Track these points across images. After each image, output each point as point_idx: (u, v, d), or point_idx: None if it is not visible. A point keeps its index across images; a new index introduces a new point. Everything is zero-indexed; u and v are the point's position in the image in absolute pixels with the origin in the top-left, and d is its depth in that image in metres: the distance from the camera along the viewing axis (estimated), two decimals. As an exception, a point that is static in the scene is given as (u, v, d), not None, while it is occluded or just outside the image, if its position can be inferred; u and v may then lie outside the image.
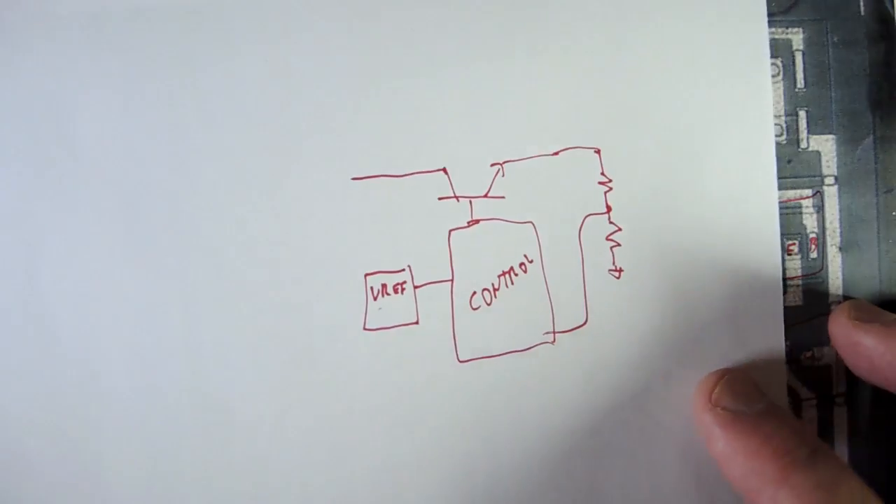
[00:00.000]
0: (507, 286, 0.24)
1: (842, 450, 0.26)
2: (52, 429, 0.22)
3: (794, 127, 0.26)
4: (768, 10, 0.25)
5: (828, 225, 0.26)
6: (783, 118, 0.26)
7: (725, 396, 0.23)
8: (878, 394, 0.26)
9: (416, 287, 0.23)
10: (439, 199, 0.23)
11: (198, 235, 0.22)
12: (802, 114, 0.26)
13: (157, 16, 0.22)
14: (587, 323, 0.24)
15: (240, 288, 0.23)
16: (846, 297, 0.26)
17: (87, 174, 0.22)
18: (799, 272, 0.26)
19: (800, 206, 0.26)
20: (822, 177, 0.26)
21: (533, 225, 0.24)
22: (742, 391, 0.23)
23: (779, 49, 0.26)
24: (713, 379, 0.23)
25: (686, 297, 0.24)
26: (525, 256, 0.24)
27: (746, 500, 0.21)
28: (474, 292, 0.24)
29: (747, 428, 0.21)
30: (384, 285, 0.23)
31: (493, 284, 0.24)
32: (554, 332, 0.24)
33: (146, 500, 0.22)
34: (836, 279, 0.26)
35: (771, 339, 0.25)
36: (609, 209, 0.24)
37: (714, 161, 0.24)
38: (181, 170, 0.22)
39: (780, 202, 0.26)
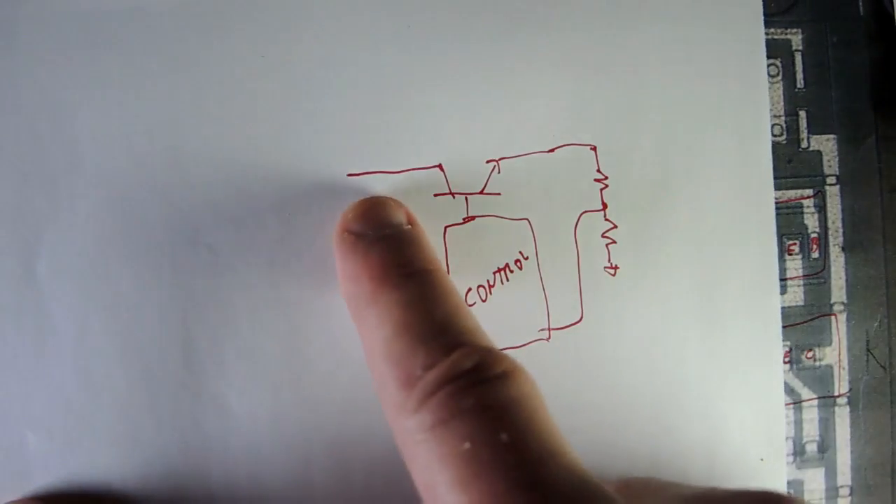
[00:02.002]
0: (502, 283, 0.24)
1: (843, 451, 0.26)
2: (48, 424, 0.22)
3: (795, 127, 0.26)
4: (767, 10, 0.25)
5: (830, 225, 0.26)
6: (783, 118, 0.26)
7: (354, 221, 0.21)
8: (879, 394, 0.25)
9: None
10: (435, 195, 0.23)
11: (194, 231, 0.23)
12: (802, 114, 0.26)
13: (153, 14, 0.22)
14: (582, 320, 0.24)
15: (236, 283, 0.23)
16: (849, 298, 0.26)
17: (84, 171, 0.22)
18: (800, 272, 0.26)
19: (800, 206, 0.26)
20: (824, 176, 0.26)
21: (528, 222, 0.24)
22: (372, 215, 0.21)
23: (778, 49, 0.26)
24: (349, 208, 0.21)
25: (681, 295, 0.24)
26: (520, 253, 0.24)
27: (356, 326, 0.20)
28: (469, 289, 0.24)
29: (358, 252, 0.20)
30: (380, 281, 0.23)
31: (488, 281, 0.24)
32: (549, 329, 0.24)
33: (143, 495, 0.23)
34: (838, 279, 0.26)
35: (768, 338, 0.25)
36: (605, 206, 0.24)
37: (710, 159, 0.24)
38: (178, 166, 0.23)
39: (780, 202, 0.25)
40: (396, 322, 0.18)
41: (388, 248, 0.20)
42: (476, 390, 0.16)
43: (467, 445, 0.15)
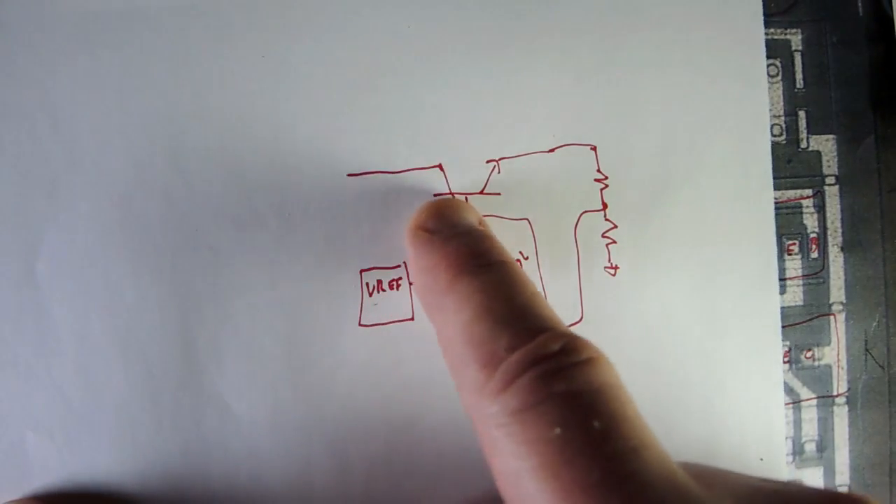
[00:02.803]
0: (502, 283, 0.24)
1: (842, 450, 0.26)
2: (49, 425, 0.22)
3: (794, 127, 0.26)
4: (767, 10, 0.25)
5: (829, 225, 0.26)
6: (782, 118, 0.26)
7: (428, 219, 0.21)
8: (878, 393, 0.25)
9: (411, 283, 0.23)
10: (434, 195, 0.23)
11: (194, 231, 0.23)
12: (802, 114, 0.26)
13: (153, 12, 0.22)
14: (582, 320, 0.24)
15: (236, 283, 0.23)
16: (848, 298, 0.26)
17: (84, 171, 0.22)
18: (799, 272, 0.26)
19: (800, 206, 0.26)
20: (823, 176, 0.26)
21: (528, 222, 0.24)
22: (446, 215, 0.21)
23: (778, 49, 0.26)
24: (422, 208, 0.22)
25: (681, 295, 0.24)
26: (521, 253, 0.24)
27: (429, 317, 0.20)
28: (470, 289, 0.24)
29: (435, 246, 0.20)
30: (380, 281, 0.23)
31: (488, 281, 0.24)
32: (549, 329, 0.24)
33: (143, 495, 0.23)
34: (837, 279, 0.26)
35: (768, 338, 0.25)
36: (605, 206, 0.24)
37: (710, 159, 0.24)
38: (178, 166, 0.23)
39: (779, 202, 0.25)
40: (477, 306, 0.18)
41: (465, 242, 0.20)
42: (565, 374, 0.16)
43: (558, 431, 0.15)
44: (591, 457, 0.14)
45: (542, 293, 0.24)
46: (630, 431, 0.15)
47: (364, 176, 0.23)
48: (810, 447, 0.26)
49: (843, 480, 0.26)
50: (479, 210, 0.24)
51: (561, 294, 0.24)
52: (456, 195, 0.23)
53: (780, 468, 0.25)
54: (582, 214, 0.24)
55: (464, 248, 0.19)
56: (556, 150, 0.24)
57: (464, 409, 0.18)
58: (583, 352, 0.16)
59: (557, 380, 0.15)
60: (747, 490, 0.17)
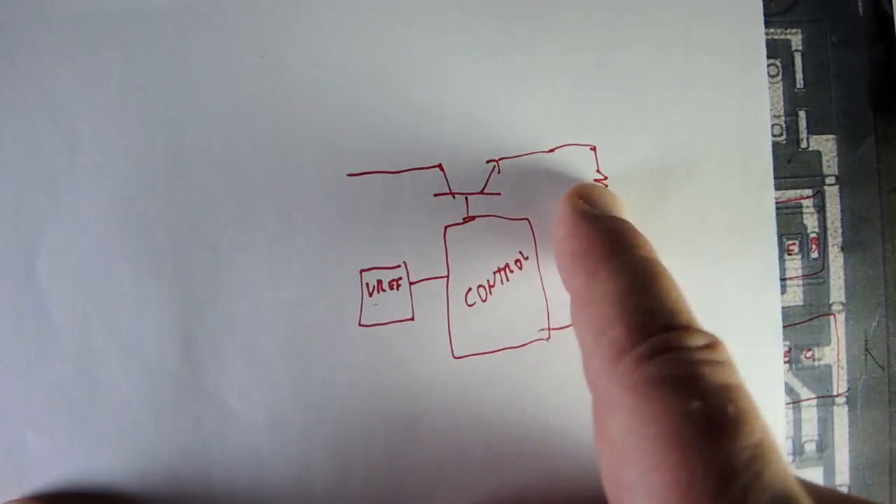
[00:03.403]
0: (502, 283, 0.24)
1: (842, 450, 0.26)
2: (48, 424, 0.22)
3: (794, 127, 0.26)
4: (767, 10, 0.25)
5: (829, 225, 0.26)
6: (783, 118, 0.26)
7: (591, 195, 0.22)
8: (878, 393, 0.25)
9: (411, 283, 0.23)
10: (435, 195, 0.23)
11: (194, 231, 0.23)
12: (802, 114, 0.26)
13: (153, 13, 0.22)
14: (582, 319, 0.24)
15: (236, 283, 0.23)
16: (848, 298, 0.26)
17: (83, 171, 0.22)
18: (799, 272, 0.26)
19: (800, 206, 0.26)
20: (823, 176, 0.26)
21: (528, 222, 0.24)
22: (608, 201, 0.23)
23: (778, 49, 0.26)
24: (586, 184, 0.23)
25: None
26: (520, 253, 0.24)
27: (565, 281, 0.21)
28: (470, 289, 0.24)
29: (596, 218, 0.21)
30: (380, 281, 0.23)
31: (488, 281, 0.24)
32: (549, 329, 0.24)
33: (143, 495, 0.23)
34: (837, 279, 0.26)
35: (768, 338, 0.25)
36: (605, 206, 0.24)
37: (710, 160, 0.24)
38: (178, 166, 0.23)
39: (779, 202, 0.25)
40: (637, 281, 0.18)
41: (627, 227, 0.21)
42: (709, 364, 0.16)
43: (697, 404, 0.15)
44: (722, 437, 0.15)
45: (542, 293, 0.24)
46: (758, 428, 0.15)
47: (364, 176, 0.23)
48: (810, 447, 0.26)
49: (843, 480, 0.26)
50: (478, 210, 0.24)
51: (561, 294, 0.24)
52: (456, 195, 0.23)
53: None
54: (582, 214, 0.24)
55: (627, 232, 0.20)
56: (556, 150, 0.24)
57: (587, 370, 0.18)
58: (722, 354, 0.17)
59: (701, 366, 0.16)
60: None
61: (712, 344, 0.17)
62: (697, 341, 0.17)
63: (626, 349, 0.17)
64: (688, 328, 0.17)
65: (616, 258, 0.19)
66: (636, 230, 0.21)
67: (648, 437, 0.15)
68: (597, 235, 0.20)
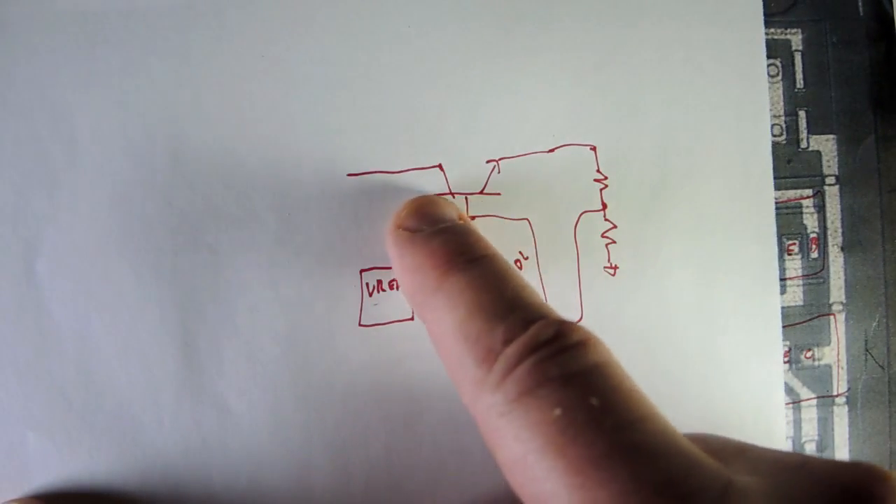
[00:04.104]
0: (502, 283, 0.24)
1: (842, 450, 0.26)
2: (48, 424, 0.22)
3: (794, 127, 0.26)
4: (767, 10, 0.25)
5: (829, 224, 0.26)
6: (783, 118, 0.26)
7: (408, 218, 0.21)
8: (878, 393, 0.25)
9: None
10: (435, 195, 0.23)
11: (194, 231, 0.23)
12: (802, 114, 0.26)
13: (152, 12, 0.22)
14: (582, 320, 0.24)
15: (236, 283, 0.23)
16: (848, 298, 0.26)
17: (83, 170, 0.22)
18: (799, 272, 0.26)
19: (800, 206, 0.26)
20: (823, 176, 0.26)
21: (528, 222, 0.24)
22: (426, 212, 0.21)
23: (778, 49, 0.26)
24: (403, 206, 0.22)
25: (681, 295, 0.24)
26: (520, 253, 0.24)
27: (419, 315, 0.20)
28: (469, 289, 0.24)
29: (417, 245, 0.20)
30: (380, 281, 0.23)
31: (488, 281, 0.24)
32: (549, 329, 0.24)
33: (143, 495, 0.23)
34: (837, 279, 0.26)
35: (768, 338, 0.25)
36: (605, 206, 0.24)
37: (710, 159, 0.24)
38: (178, 166, 0.23)
39: (779, 202, 0.25)
40: (469, 303, 0.18)
41: (448, 239, 0.20)
42: (560, 359, 0.16)
43: (559, 412, 0.15)
44: (592, 432, 0.15)
45: (542, 293, 0.24)
46: (628, 404, 0.16)
47: (364, 176, 0.23)
48: (810, 447, 0.26)
49: (843, 480, 0.26)
50: (478, 210, 0.24)
51: (561, 294, 0.24)
52: (456, 195, 0.23)
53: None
54: (582, 214, 0.24)
55: (448, 244, 0.20)
56: (555, 150, 0.24)
57: (464, 404, 0.18)
58: (574, 335, 0.17)
59: (553, 364, 0.16)
60: (767, 463, 0.17)
61: (560, 331, 0.17)
62: (544, 335, 0.17)
63: (482, 380, 0.17)
64: (530, 326, 0.17)
65: (445, 283, 0.19)
66: (462, 231, 0.20)
67: (531, 453, 0.15)
68: (421, 265, 0.20)
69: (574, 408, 0.15)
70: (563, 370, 0.16)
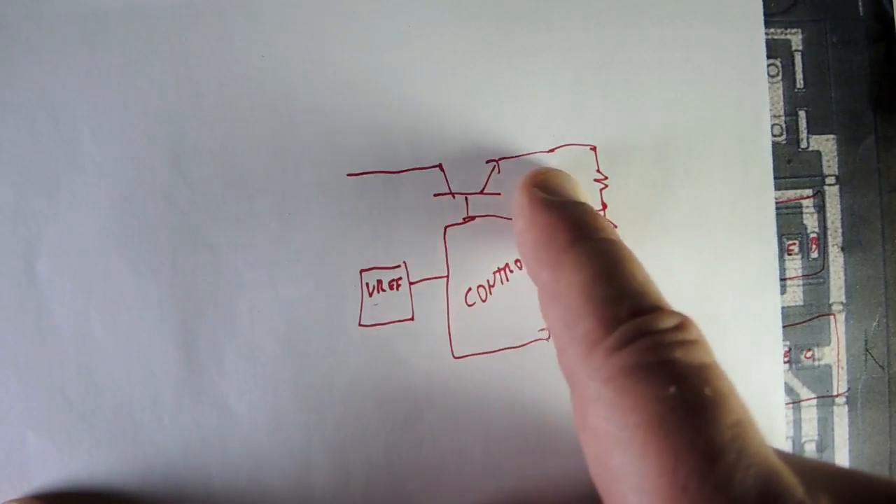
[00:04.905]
0: (502, 283, 0.24)
1: (842, 450, 0.26)
2: (48, 424, 0.22)
3: (794, 127, 0.26)
4: (767, 10, 0.25)
5: (829, 224, 0.26)
6: (783, 118, 0.26)
7: (547, 183, 0.22)
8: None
9: (411, 283, 0.23)
10: (435, 195, 0.23)
11: (194, 231, 0.23)
12: (802, 114, 0.26)
13: (152, 12, 0.22)
14: (582, 319, 0.24)
15: (236, 283, 0.23)
16: (848, 298, 0.26)
17: (83, 170, 0.22)
18: (799, 272, 0.26)
19: (800, 206, 0.26)
20: (823, 176, 0.26)
21: (528, 222, 0.24)
22: (565, 184, 0.22)
23: (778, 49, 0.26)
24: (541, 170, 0.23)
25: (681, 295, 0.24)
26: (521, 253, 0.24)
27: (531, 274, 0.20)
28: (469, 288, 0.24)
29: (555, 207, 0.21)
30: (380, 281, 0.23)
31: (488, 281, 0.24)
32: (549, 329, 0.24)
33: (143, 495, 0.23)
34: (837, 279, 0.26)
35: (768, 338, 0.25)
36: (604, 206, 0.24)
37: (710, 159, 0.24)
38: (178, 166, 0.23)
39: (779, 202, 0.25)
40: (602, 269, 0.18)
41: (586, 210, 0.21)
42: (680, 346, 0.16)
43: (673, 390, 0.15)
44: (701, 420, 0.15)
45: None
46: (736, 406, 0.16)
47: (364, 176, 0.23)
48: (810, 447, 0.26)
49: (843, 480, 0.26)
50: (478, 210, 0.24)
51: (561, 294, 0.24)
52: (456, 195, 0.23)
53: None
54: (582, 214, 0.24)
55: (585, 216, 0.20)
56: (555, 150, 0.24)
57: (562, 363, 0.18)
58: (693, 332, 0.17)
59: (674, 348, 0.16)
60: (842, 481, 0.17)
61: (682, 324, 0.17)
62: (667, 322, 0.17)
63: (598, 340, 0.17)
64: (657, 310, 0.17)
65: (578, 246, 0.19)
66: (596, 213, 0.21)
67: (629, 425, 0.15)
68: (556, 225, 0.20)
69: (689, 392, 0.15)
70: (684, 357, 0.16)
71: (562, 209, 0.20)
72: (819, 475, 0.17)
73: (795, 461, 0.17)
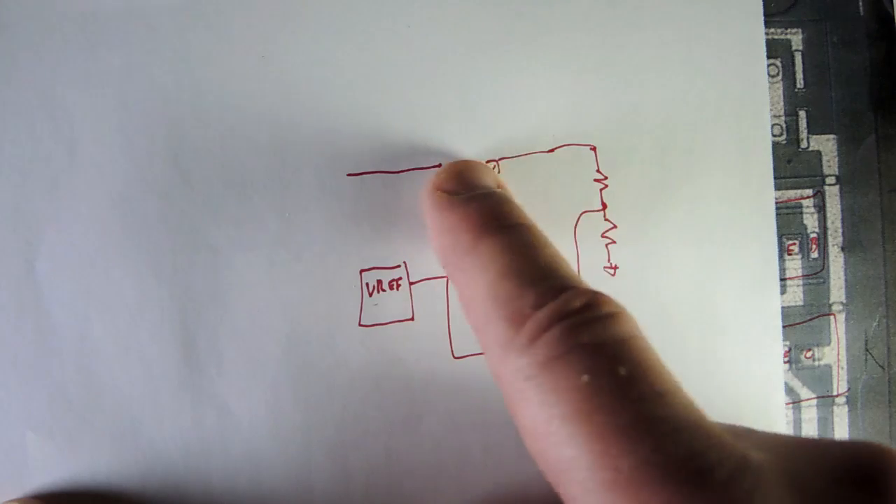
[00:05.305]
0: (502, 283, 0.24)
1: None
2: (48, 424, 0.22)
3: (794, 127, 0.26)
4: (767, 10, 0.25)
5: (829, 224, 0.26)
6: (783, 118, 0.26)
7: (447, 181, 0.21)
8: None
9: (411, 283, 0.23)
10: (435, 195, 0.23)
11: (194, 232, 0.23)
12: (802, 114, 0.26)
13: (152, 13, 0.22)
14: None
15: (235, 284, 0.23)
16: (848, 298, 0.26)
17: (83, 170, 0.22)
18: (799, 272, 0.26)
19: (800, 206, 0.26)
20: (823, 176, 0.26)
21: (528, 222, 0.24)
22: (465, 177, 0.21)
23: (778, 49, 0.26)
24: (442, 168, 0.22)
25: (681, 295, 0.24)
26: (521, 253, 0.24)
27: (449, 276, 0.20)
28: (470, 288, 0.24)
29: (455, 207, 0.20)
30: (380, 281, 0.23)
31: (488, 281, 0.24)
32: (549, 329, 0.24)
33: (143, 495, 0.23)
34: (837, 279, 0.26)
35: (768, 338, 0.25)
36: (605, 206, 0.24)
37: (710, 160, 0.24)
38: (178, 166, 0.23)
39: (780, 202, 0.25)
40: (502, 266, 0.18)
41: (486, 203, 0.20)
42: (591, 327, 0.16)
43: (586, 378, 0.15)
44: (619, 400, 0.15)
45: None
46: (655, 378, 0.16)
47: (364, 176, 0.23)
48: (810, 447, 0.26)
49: (843, 480, 0.26)
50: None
51: (561, 294, 0.24)
52: (456, 195, 0.23)
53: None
54: (581, 214, 0.24)
55: (485, 209, 0.20)
56: (555, 150, 0.24)
57: (489, 368, 0.18)
58: (606, 306, 0.17)
59: (583, 332, 0.16)
60: (776, 443, 0.17)
61: (591, 301, 0.17)
62: (574, 303, 0.17)
63: (509, 341, 0.17)
64: (562, 293, 0.17)
65: (481, 245, 0.19)
66: (499, 197, 0.20)
67: (554, 419, 0.15)
68: (457, 226, 0.20)
69: (603, 375, 0.15)
70: (594, 338, 0.16)
71: (463, 207, 0.20)
72: (760, 439, 0.17)
73: (738, 430, 0.17)
